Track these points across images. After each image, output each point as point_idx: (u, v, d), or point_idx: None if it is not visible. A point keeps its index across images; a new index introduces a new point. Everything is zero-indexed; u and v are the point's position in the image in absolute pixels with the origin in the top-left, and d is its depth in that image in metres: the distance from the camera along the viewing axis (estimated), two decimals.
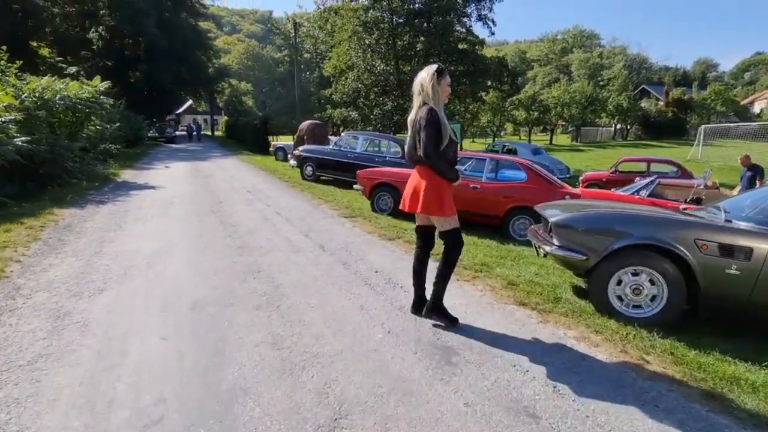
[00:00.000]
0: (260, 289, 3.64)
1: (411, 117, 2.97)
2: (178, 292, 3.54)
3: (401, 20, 19.41)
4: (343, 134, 11.30)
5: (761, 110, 53.59)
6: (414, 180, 3.00)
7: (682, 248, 3.13)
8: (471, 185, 6.65)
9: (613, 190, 8.34)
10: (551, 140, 42.94)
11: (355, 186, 7.70)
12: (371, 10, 18.74)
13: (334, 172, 11.00)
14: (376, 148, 10.88)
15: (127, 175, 11.69)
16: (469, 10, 18.99)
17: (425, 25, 19.33)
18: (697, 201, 8.12)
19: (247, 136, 24.21)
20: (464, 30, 19.87)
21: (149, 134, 28.21)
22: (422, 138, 2.75)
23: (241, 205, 7.57)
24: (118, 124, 14.71)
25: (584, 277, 3.71)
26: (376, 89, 18.89)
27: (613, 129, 48.58)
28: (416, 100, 2.89)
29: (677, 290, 3.19)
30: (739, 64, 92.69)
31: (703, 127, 26.97)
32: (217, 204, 7.59)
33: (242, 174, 12.53)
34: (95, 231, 5.53)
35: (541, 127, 45.74)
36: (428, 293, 3.17)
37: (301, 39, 28.20)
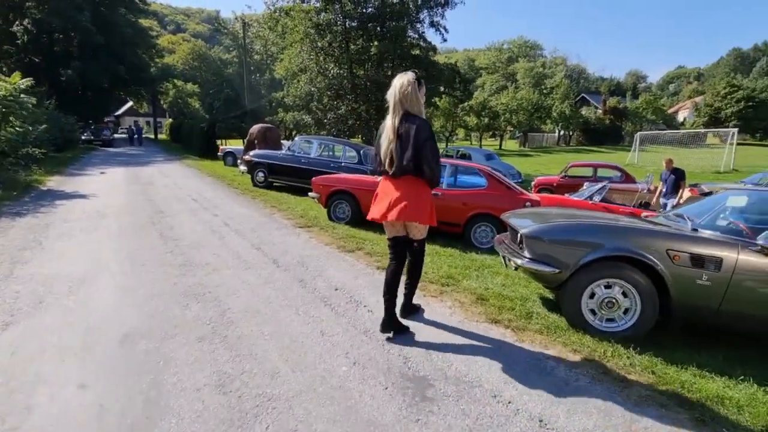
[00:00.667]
0: (205, 316, 3.19)
1: (388, 124, 2.85)
2: (105, 324, 3.02)
3: (354, 24, 19.15)
4: (296, 139, 10.84)
5: (684, 119, 58.48)
6: (390, 190, 2.89)
7: (655, 259, 3.04)
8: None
9: (567, 195, 8.49)
10: (501, 145, 44.31)
11: (310, 194, 7.30)
12: (323, 13, 18.34)
13: (288, 178, 10.50)
14: (332, 154, 10.51)
15: (53, 182, 10.55)
16: (422, 16, 19.06)
17: (378, 29, 19.18)
18: (645, 206, 8.44)
19: (194, 140, 22.93)
20: (417, 36, 19.91)
21: (83, 137, 26.07)
22: (426, 152, 2.76)
23: (185, 215, 6.94)
24: (45, 125, 13.30)
25: (554, 289, 3.57)
26: (329, 93, 18.46)
27: (557, 135, 51.03)
28: (396, 108, 2.81)
29: (650, 302, 3.10)
30: (664, 77, 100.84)
31: (638, 134, 28.86)
32: (158, 215, 6.91)
33: (187, 180, 11.71)
34: (7, 249, 4.77)
35: (491, 133, 47.11)
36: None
37: (251, 40, 27.24)
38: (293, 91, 18.91)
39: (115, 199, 8.31)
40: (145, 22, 39.12)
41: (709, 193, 10.26)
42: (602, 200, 7.61)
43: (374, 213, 2.98)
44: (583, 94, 62.23)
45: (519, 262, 3.38)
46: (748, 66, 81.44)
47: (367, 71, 18.54)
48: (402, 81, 2.81)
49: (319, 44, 18.45)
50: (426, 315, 3.37)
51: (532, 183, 13.65)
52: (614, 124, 50.70)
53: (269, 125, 14.28)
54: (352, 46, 19.21)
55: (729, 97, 53.59)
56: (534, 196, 6.52)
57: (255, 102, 22.28)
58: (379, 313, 3.27)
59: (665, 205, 8.21)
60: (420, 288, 3.64)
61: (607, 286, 3.19)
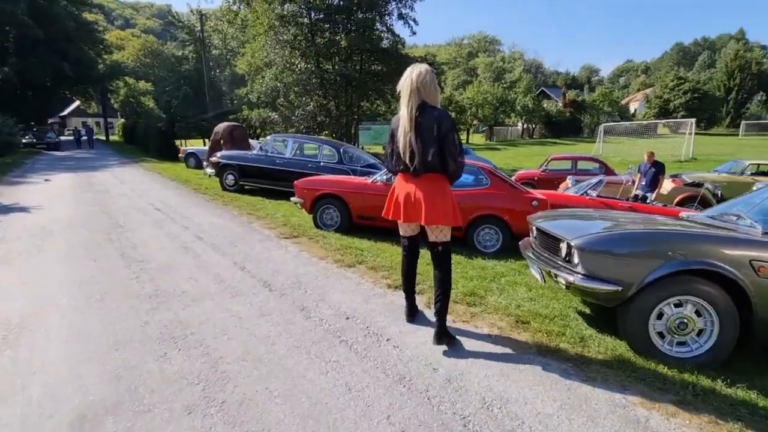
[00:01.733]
0: (191, 371, 2.47)
1: (404, 115, 2.63)
2: (53, 397, 2.24)
3: (321, 15, 18.26)
4: (269, 137, 9.99)
5: (635, 110, 61.24)
6: (411, 188, 2.71)
7: (737, 272, 2.59)
8: None
9: (564, 190, 8.15)
10: (467, 139, 44.47)
11: (292, 198, 6.56)
12: (287, 4, 17.34)
13: (261, 181, 9.65)
14: (308, 153, 9.74)
15: None
16: (391, 8, 18.40)
17: (346, 21, 18.35)
18: (643, 199, 8.22)
19: (150, 141, 21.36)
20: (385, 28, 19.26)
21: (24, 140, 23.83)
22: (450, 145, 2.59)
23: (149, 229, 6.04)
24: None
25: (607, 306, 3.07)
26: (297, 89, 17.52)
27: (520, 128, 51.91)
28: (412, 97, 2.61)
29: (730, 322, 2.64)
30: (614, 70, 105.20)
31: (602, 125, 29.50)
32: (117, 229, 5.98)
33: (147, 186, 10.60)
34: None
35: (458, 127, 47.29)
36: None
37: (208, 34, 25.69)
38: (258, 87, 17.85)
39: (64, 212, 7.24)
40: (89, 16, 36.38)
41: (695, 184, 10.30)
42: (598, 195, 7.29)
43: (395, 213, 2.84)
44: (542, 88, 63.67)
45: (571, 279, 2.85)
46: (690, 59, 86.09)
47: (334, 65, 17.72)
48: (419, 69, 2.64)
49: (284, 37, 17.47)
50: (466, 346, 2.79)
51: (512, 177, 13.36)
52: (574, 117, 52.21)
53: (236, 124, 13.29)
54: (319, 39, 18.34)
55: (677, 89, 56.86)
56: (539, 194, 6.07)
57: (216, 99, 20.99)
58: (408, 349, 2.75)
59: (644, 197, 8.03)
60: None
61: (678, 305, 2.72)
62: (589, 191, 7.42)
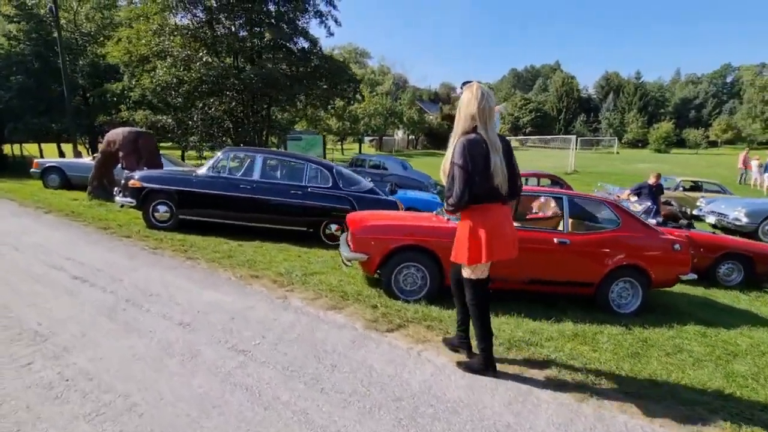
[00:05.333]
0: None
1: (491, 138, 2.58)
2: None
3: (216, 2, 14.95)
4: (220, 153, 7.03)
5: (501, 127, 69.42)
6: (510, 219, 2.75)
7: None
8: (555, 239, 4.28)
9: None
10: (360, 149, 43.70)
11: (345, 254, 4.27)
12: None
13: (216, 213, 6.79)
14: (285, 174, 7.17)
15: None
16: (314, 2, 16.06)
17: (251, 12, 15.33)
18: (673, 219, 7.84)
19: None
20: (300, 26, 16.83)
21: None
22: (517, 168, 2.72)
23: (100, 333, 3.15)
24: None
25: None
26: (204, 87, 13.98)
27: (406, 139, 53.42)
28: (489, 119, 2.59)
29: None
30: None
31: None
32: (35, 340, 2.98)
33: (16, 228, 6.64)
34: None
35: (352, 138, 46.33)
36: None
37: (46, 13, 19.75)
38: (146, 83, 13.80)
39: None
40: None
41: (666, 203, 10.68)
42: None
43: (509, 250, 2.67)
44: (417, 101, 66.97)
45: None
46: (523, 83, 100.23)
47: (254, 63, 14.79)
48: (485, 88, 2.62)
49: (183, 22, 13.92)
50: None
51: None
52: (451, 129, 55.89)
53: (140, 130, 9.67)
54: (220, 29, 15.12)
55: (524, 108, 66.31)
56: (678, 236, 4.92)
57: (71, 94, 15.97)
58: None
59: (690, 224, 7.76)
60: None
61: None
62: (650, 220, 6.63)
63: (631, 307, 4.45)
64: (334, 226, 6.84)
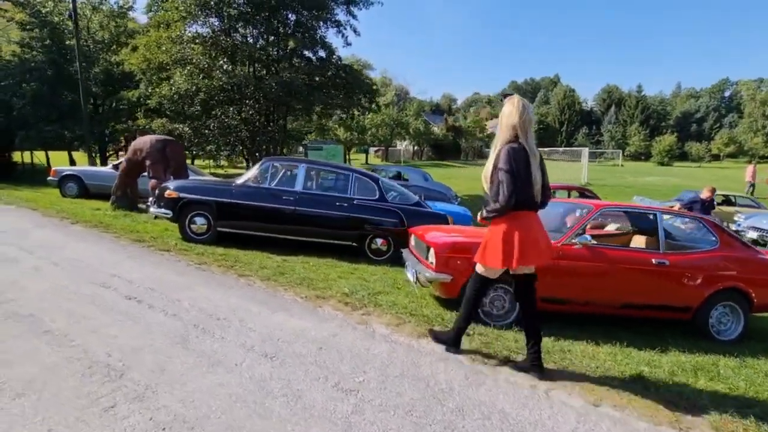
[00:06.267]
0: None
1: (532, 148, 2.74)
2: None
3: (235, 11, 14.73)
4: (261, 164, 6.68)
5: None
6: (541, 226, 2.85)
7: None
8: (653, 260, 3.94)
9: None
10: (366, 160, 43.48)
11: (426, 275, 3.92)
12: None
13: (256, 226, 6.44)
14: (332, 185, 6.83)
15: None
16: (336, 11, 15.84)
17: (273, 20, 15.17)
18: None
19: None
20: (321, 35, 16.61)
21: None
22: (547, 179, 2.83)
23: (169, 363, 2.77)
24: None
25: None
26: (221, 96, 13.71)
27: (411, 150, 53.33)
28: (530, 131, 2.74)
29: None
30: (465, 100, 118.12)
31: (586, 149, 31.23)
32: (107, 385, 2.59)
33: (47, 242, 6.26)
34: None
35: (358, 148, 46.19)
36: None
37: (63, 18, 19.55)
38: (166, 92, 13.49)
39: None
40: None
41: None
42: None
43: (542, 257, 2.76)
44: (421, 113, 67.08)
45: None
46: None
47: (278, 72, 14.53)
48: (525, 101, 2.77)
49: (203, 30, 13.68)
50: None
51: None
52: (455, 140, 55.93)
53: (167, 137, 9.32)
54: (237, 38, 14.88)
55: None
56: None
57: (86, 102, 15.65)
58: None
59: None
60: None
61: None
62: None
63: (732, 334, 4.09)
64: (379, 241, 6.49)
